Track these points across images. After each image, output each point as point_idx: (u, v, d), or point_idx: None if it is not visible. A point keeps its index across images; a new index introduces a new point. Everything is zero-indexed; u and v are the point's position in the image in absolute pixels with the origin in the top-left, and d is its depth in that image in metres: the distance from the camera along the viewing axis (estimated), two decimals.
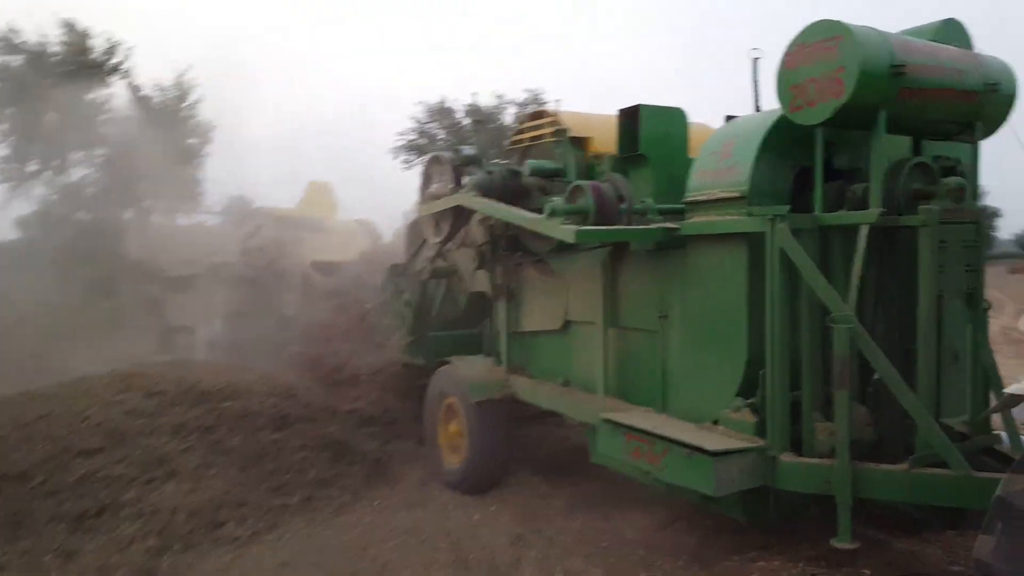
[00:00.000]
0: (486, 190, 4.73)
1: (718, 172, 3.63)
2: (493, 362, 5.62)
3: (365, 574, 4.26)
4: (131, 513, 4.63)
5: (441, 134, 19.67)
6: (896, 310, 3.51)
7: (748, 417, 3.48)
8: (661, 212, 4.04)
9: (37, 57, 19.21)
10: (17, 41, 19.01)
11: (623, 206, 4.01)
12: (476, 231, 5.76)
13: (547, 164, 4.68)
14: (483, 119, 5.24)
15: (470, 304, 6.22)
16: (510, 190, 4.78)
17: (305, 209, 12.60)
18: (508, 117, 17.64)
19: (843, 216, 3.32)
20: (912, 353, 3.34)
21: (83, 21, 19.94)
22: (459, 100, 19.55)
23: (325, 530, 4.87)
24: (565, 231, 3.78)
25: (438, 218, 5.50)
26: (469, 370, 5.50)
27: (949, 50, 3.35)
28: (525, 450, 5.80)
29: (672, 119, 4.32)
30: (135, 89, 20.69)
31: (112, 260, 19.26)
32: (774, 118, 3.51)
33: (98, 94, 20.28)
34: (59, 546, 4.33)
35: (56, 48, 19.36)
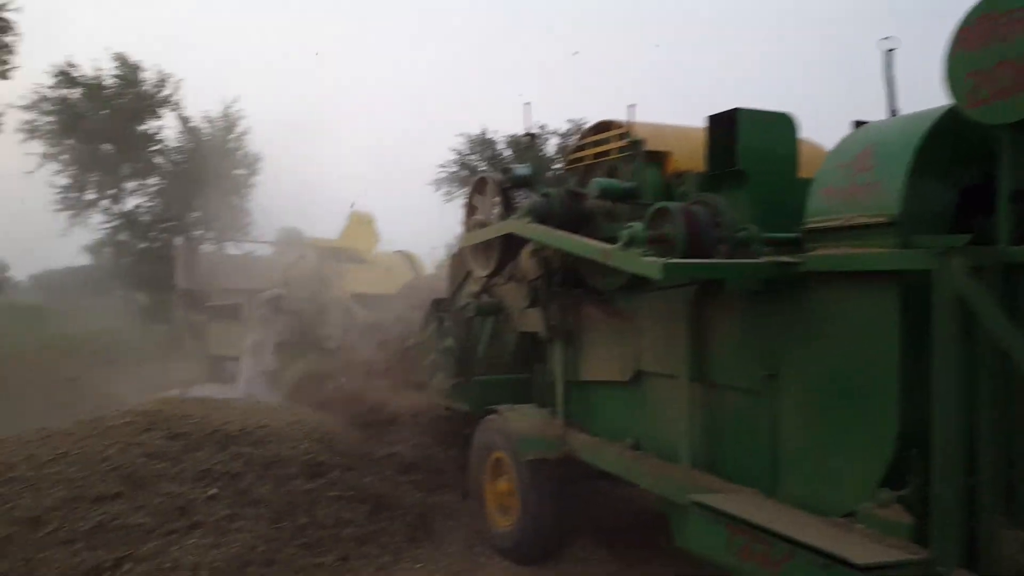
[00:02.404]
0: (542, 215, 3.84)
1: (853, 190, 2.68)
2: (547, 414, 4.69)
3: None
4: (148, 569, 3.93)
5: (482, 166, 19.00)
6: None
7: (900, 516, 2.49)
8: (768, 242, 3.09)
9: (93, 89, 19.13)
10: (75, 74, 19.03)
11: (721, 234, 3.07)
12: (528, 264, 4.86)
13: (618, 184, 3.76)
14: (535, 134, 4.53)
15: (519, 346, 5.30)
16: (570, 215, 3.87)
17: (346, 240, 11.90)
18: (550, 149, 16.89)
19: None
20: None
21: (136, 55, 19.92)
22: (500, 131, 18.90)
23: None
24: (647, 264, 2.84)
25: (484, 248, 4.62)
26: (520, 422, 4.57)
27: None
28: (585, 513, 4.85)
29: (778, 127, 3.37)
30: (185, 120, 20.57)
31: (166, 288, 19.05)
32: (932, 119, 2.55)
33: (150, 125, 20.17)
34: None
35: (110, 81, 19.26)
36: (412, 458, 6.01)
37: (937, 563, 2.36)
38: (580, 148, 4.42)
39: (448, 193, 19.34)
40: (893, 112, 3.12)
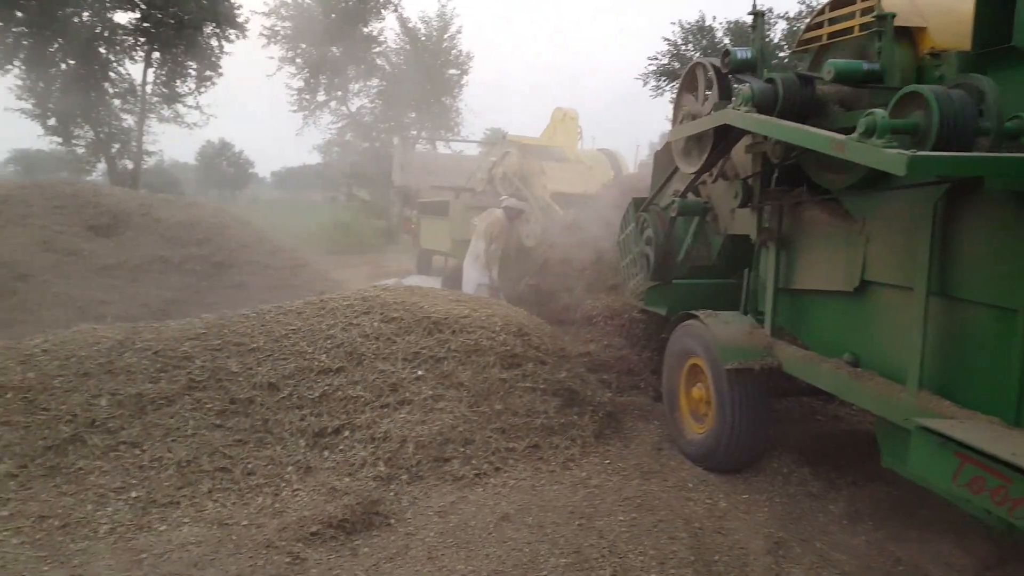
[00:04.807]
0: (764, 104, 3.47)
1: None
2: (752, 322, 4.44)
3: (589, 553, 3.49)
4: (364, 436, 4.37)
5: (698, 57, 17.72)
6: None
7: None
8: None
9: None
10: None
11: (984, 123, 2.59)
12: (741, 159, 4.51)
13: (860, 65, 3.28)
14: (761, 12, 3.96)
15: (726, 249, 5.02)
16: (797, 104, 3.47)
17: (549, 138, 11.84)
18: (776, 35, 15.34)
19: None
20: None
21: None
22: (720, 17, 17.40)
23: (551, 485, 4.24)
24: (890, 157, 2.47)
25: (695, 142, 4.33)
26: (721, 329, 4.37)
27: None
28: (785, 429, 4.63)
29: None
30: (404, 21, 21.44)
31: (384, 184, 20.53)
32: None
33: (372, 27, 21.30)
34: (299, 459, 4.19)
35: None
36: (604, 358, 6.09)
37: None
38: (815, 26, 3.91)
39: (657, 87, 18.31)
40: None
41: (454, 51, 22.26)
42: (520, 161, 10.24)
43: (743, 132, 3.87)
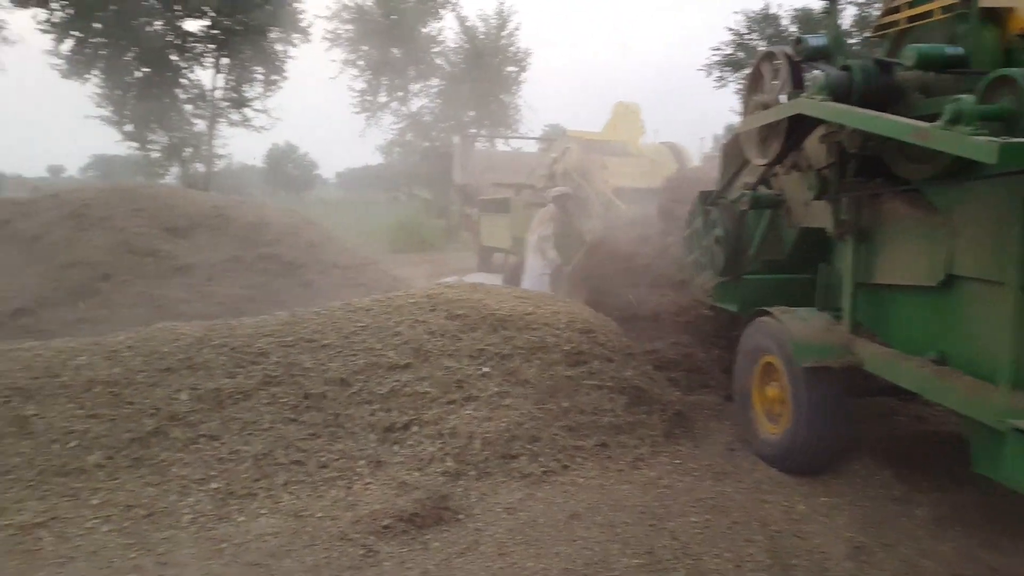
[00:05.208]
0: (840, 92, 3.37)
1: None
2: (829, 319, 4.31)
3: (662, 554, 3.45)
4: (432, 432, 4.42)
5: (763, 47, 17.34)
6: None
7: None
8: None
9: None
10: None
11: None
12: (816, 150, 4.38)
13: (943, 49, 3.15)
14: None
15: (799, 243, 4.88)
16: (876, 91, 3.35)
17: (611, 132, 11.73)
18: (846, 21, 14.84)
19: None
20: None
21: None
22: (785, 6, 17.00)
23: (620, 485, 4.20)
24: (979, 145, 2.37)
25: (766, 133, 4.23)
26: (796, 326, 4.26)
27: None
28: (865, 430, 4.48)
29: None
30: (462, 20, 21.66)
31: (444, 183, 20.74)
32: None
33: (431, 27, 21.61)
34: (370, 453, 4.26)
35: None
36: (672, 356, 5.99)
37: None
38: (892, 10, 3.77)
39: (721, 78, 17.93)
40: None
41: (512, 48, 22.42)
42: (581, 156, 10.19)
43: (817, 122, 3.77)
